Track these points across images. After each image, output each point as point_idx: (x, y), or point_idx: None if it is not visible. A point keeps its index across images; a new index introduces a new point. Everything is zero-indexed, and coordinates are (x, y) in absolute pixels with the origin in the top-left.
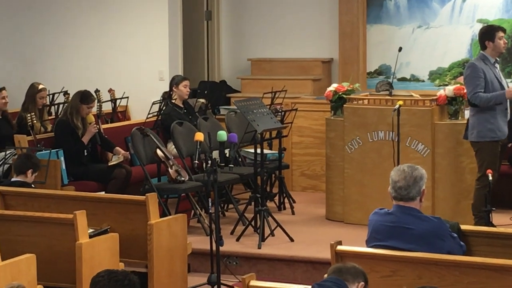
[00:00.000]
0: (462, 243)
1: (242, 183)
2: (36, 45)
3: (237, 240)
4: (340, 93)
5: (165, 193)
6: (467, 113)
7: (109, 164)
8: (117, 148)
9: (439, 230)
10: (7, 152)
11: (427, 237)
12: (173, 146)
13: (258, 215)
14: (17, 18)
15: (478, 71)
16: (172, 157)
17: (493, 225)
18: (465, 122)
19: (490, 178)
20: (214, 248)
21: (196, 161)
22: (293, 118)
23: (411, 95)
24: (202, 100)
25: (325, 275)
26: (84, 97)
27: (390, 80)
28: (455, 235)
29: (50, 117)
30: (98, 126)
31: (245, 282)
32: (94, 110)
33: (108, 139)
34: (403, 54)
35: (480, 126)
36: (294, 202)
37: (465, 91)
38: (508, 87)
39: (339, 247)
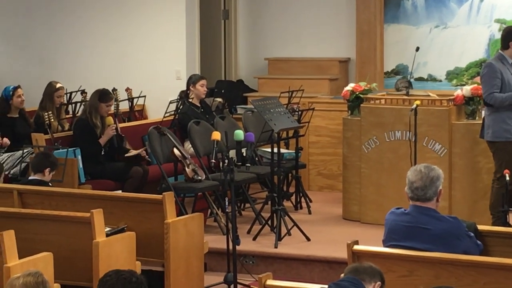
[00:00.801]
0: (479, 242)
1: (259, 182)
2: (53, 44)
3: (254, 239)
4: (357, 93)
5: (182, 192)
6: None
7: (126, 155)
8: (132, 151)
9: (456, 230)
10: (25, 150)
11: (444, 237)
12: (190, 145)
13: (274, 215)
14: (34, 17)
15: (495, 71)
16: (189, 156)
17: (510, 225)
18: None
19: (508, 178)
20: (230, 247)
21: (213, 160)
22: (310, 118)
23: (428, 95)
24: (219, 99)
25: (342, 275)
26: (103, 95)
27: (407, 80)
28: (472, 234)
29: (67, 116)
30: (116, 127)
31: (261, 281)
32: (111, 109)
33: (125, 138)
34: (420, 53)
35: (495, 126)
36: (311, 201)
37: (482, 91)
38: None
39: (356, 247)
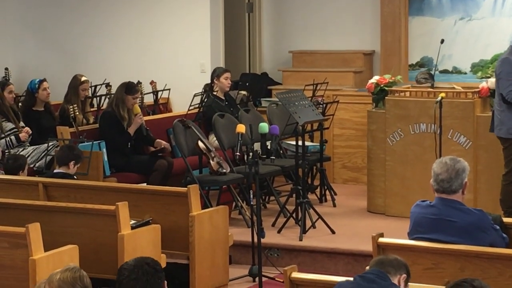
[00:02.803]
0: (504, 235)
1: (283, 175)
2: (79, 37)
3: (279, 232)
4: (382, 85)
5: (206, 185)
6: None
7: (152, 150)
8: (158, 140)
9: (481, 223)
10: (50, 143)
11: (469, 229)
12: (215, 138)
13: (299, 207)
14: (60, 11)
15: None
16: (214, 149)
17: None
18: None
19: None
20: (255, 240)
21: (238, 153)
22: (335, 110)
23: (453, 87)
24: (244, 92)
25: (367, 267)
26: (129, 88)
27: (432, 72)
28: (498, 227)
29: (92, 109)
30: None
31: (286, 274)
32: (137, 101)
33: (149, 131)
34: (445, 46)
35: (510, 122)
36: (335, 194)
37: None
38: None
39: (381, 239)
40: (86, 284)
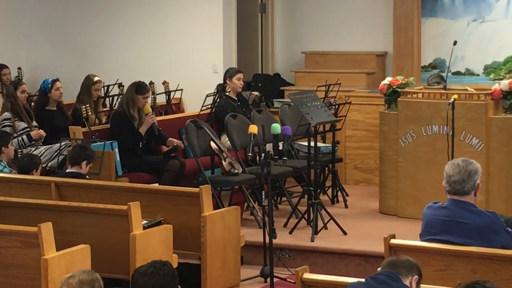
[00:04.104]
0: None
1: (294, 177)
2: (91, 37)
3: (290, 232)
4: (394, 87)
5: (218, 185)
6: None
7: (165, 151)
8: (170, 139)
9: (493, 225)
10: (62, 143)
11: (481, 231)
12: (227, 139)
13: (311, 208)
14: (73, 11)
15: None
16: (226, 150)
17: None
18: None
19: None
20: (267, 240)
21: (250, 154)
22: (347, 112)
23: (466, 89)
24: (256, 93)
25: (379, 269)
26: (139, 87)
27: (445, 74)
28: (510, 229)
29: (104, 109)
30: (154, 116)
31: (298, 274)
32: (149, 101)
33: (162, 131)
34: (458, 48)
35: None
36: (347, 195)
37: None
38: None
39: (393, 241)
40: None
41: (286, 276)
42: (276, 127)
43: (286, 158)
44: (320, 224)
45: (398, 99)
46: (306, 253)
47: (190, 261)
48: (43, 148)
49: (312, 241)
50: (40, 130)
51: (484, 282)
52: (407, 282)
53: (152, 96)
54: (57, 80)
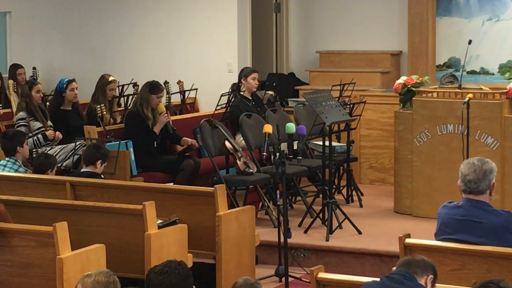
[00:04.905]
0: None
1: (308, 177)
2: (106, 37)
3: (305, 232)
4: (409, 86)
5: (233, 184)
6: None
7: (179, 151)
8: (185, 138)
9: (509, 224)
10: (77, 143)
11: (497, 231)
12: (242, 138)
13: (326, 208)
14: (86, 11)
15: None
16: (241, 149)
17: None
18: None
19: None
20: (282, 240)
21: (265, 153)
22: (362, 111)
23: (481, 88)
24: (271, 92)
25: (394, 268)
26: (153, 87)
27: (459, 73)
28: None
29: (119, 109)
30: (168, 115)
31: (313, 274)
32: (163, 101)
33: (176, 131)
34: (472, 47)
35: None
36: (362, 194)
37: None
38: None
39: (408, 240)
40: None
41: (301, 276)
42: (291, 127)
43: (301, 158)
44: (335, 223)
45: (413, 98)
46: (321, 252)
47: (205, 261)
48: (58, 147)
49: (327, 240)
50: (57, 132)
51: (499, 281)
52: (422, 282)
53: (167, 96)
54: (73, 80)
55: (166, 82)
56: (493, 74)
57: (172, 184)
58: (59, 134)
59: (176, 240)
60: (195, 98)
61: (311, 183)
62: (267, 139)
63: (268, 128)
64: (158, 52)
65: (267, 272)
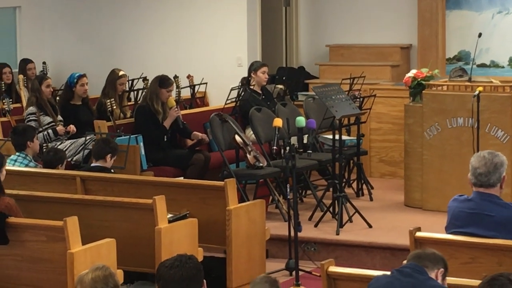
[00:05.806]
0: None
1: (317, 171)
2: (116, 31)
3: (315, 226)
4: (419, 79)
5: (243, 178)
6: None
7: (189, 145)
8: (195, 132)
9: None
10: (87, 137)
11: (507, 224)
12: (252, 132)
13: (336, 201)
14: (96, 5)
15: None
16: (251, 143)
17: None
18: None
19: None
20: (292, 234)
21: (275, 147)
22: (372, 104)
23: (491, 81)
24: (281, 86)
25: (404, 261)
26: (163, 81)
27: (469, 66)
28: None
29: (129, 103)
30: (178, 109)
31: (323, 268)
32: (173, 95)
33: (186, 125)
34: (482, 40)
35: None
36: (372, 188)
37: None
38: None
39: (418, 234)
40: (116, 283)
41: (311, 269)
42: (301, 120)
43: (310, 151)
44: (345, 217)
45: (423, 91)
46: (331, 246)
47: (215, 255)
48: (68, 142)
49: (337, 234)
50: (71, 126)
51: (509, 275)
52: (432, 275)
53: (177, 90)
54: (84, 75)
55: (175, 77)
56: (503, 67)
57: (182, 178)
58: (73, 128)
59: (186, 234)
60: (205, 92)
61: (321, 176)
62: (277, 133)
63: (278, 122)
64: (167, 47)
65: (277, 266)
